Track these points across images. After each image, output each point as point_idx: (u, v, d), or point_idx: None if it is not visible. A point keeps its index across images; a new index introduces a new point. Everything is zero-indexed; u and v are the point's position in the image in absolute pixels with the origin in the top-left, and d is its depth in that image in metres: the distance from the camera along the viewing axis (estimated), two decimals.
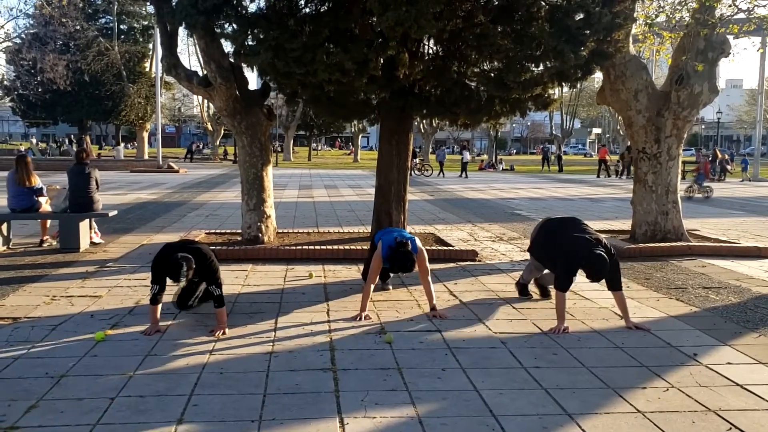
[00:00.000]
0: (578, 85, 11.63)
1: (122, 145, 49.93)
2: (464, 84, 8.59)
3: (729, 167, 34.29)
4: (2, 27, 32.78)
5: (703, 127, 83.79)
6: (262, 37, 7.69)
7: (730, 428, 3.69)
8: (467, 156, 33.37)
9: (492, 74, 8.37)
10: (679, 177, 10.22)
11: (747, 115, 78.88)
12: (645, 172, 9.98)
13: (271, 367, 4.56)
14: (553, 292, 6.00)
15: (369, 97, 9.26)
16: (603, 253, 5.41)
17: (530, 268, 6.61)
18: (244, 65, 8.65)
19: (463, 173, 32.20)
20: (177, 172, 31.83)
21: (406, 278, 7.27)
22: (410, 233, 6.32)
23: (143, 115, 44.10)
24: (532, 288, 6.75)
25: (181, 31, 9.93)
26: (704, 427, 3.70)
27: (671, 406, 3.99)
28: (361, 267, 7.89)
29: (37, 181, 9.38)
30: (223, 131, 52.21)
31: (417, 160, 33.92)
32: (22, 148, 40.66)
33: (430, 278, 6.07)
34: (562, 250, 5.68)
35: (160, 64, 30.01)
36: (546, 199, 19.84)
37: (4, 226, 9.16)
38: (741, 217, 14.94)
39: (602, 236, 5.78)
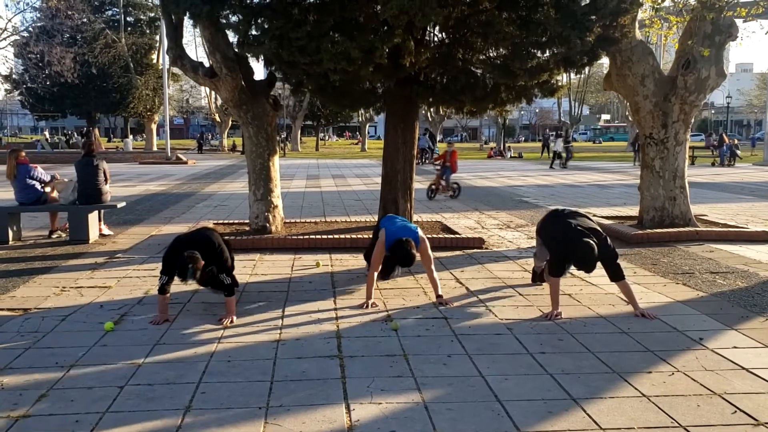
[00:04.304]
0: (585, 71, 11.57)
1: (131, 137, 50.09)
2: (470, 71, 8.57)
3: (738, 152, 33.99)
4: (10, 20, 32.75)
5: (713, 111, 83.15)
6: (266, 26, 7.69)
7: (735, 411, 3.70)
8: (559, 145, 30.34)
9: (498, 61, 8.34)
10: (687, 162, 10.18)
11: (757, 99, 78.37)
12: (652, 158, 9.94)
13: (278, 355, 4.60)
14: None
15: (374, 86, 9.26)
16: (592, 242, 5.41)
17: (537, 255, 6.64)
18: (249, 55, 8.66)
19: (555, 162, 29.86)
20: (185, 163, 31.95)
21: (413, 267, 7.27)
22: (415, 222, 6.33)
23: (151, 107, 44.22)
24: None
25: (187, 22, 9.94)
26: (709, 410, 3.71)
27: (676, 390, 4.00)
28: None
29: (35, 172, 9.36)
30: (231, 122, 52.28)
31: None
32: (32, 140, 40.89)
33: (433, 266, 6.10)
34: (556, 238, 5.74)
35: (167, 56, 30.04)
36: (554, 186, 19.78)
37: (14, 219, 9.23)
38: (750, 202, 14.86)
39: (598, 227, 5.73)
